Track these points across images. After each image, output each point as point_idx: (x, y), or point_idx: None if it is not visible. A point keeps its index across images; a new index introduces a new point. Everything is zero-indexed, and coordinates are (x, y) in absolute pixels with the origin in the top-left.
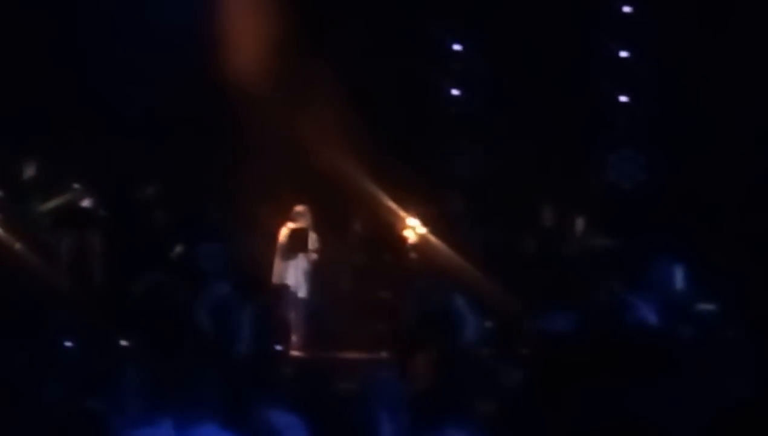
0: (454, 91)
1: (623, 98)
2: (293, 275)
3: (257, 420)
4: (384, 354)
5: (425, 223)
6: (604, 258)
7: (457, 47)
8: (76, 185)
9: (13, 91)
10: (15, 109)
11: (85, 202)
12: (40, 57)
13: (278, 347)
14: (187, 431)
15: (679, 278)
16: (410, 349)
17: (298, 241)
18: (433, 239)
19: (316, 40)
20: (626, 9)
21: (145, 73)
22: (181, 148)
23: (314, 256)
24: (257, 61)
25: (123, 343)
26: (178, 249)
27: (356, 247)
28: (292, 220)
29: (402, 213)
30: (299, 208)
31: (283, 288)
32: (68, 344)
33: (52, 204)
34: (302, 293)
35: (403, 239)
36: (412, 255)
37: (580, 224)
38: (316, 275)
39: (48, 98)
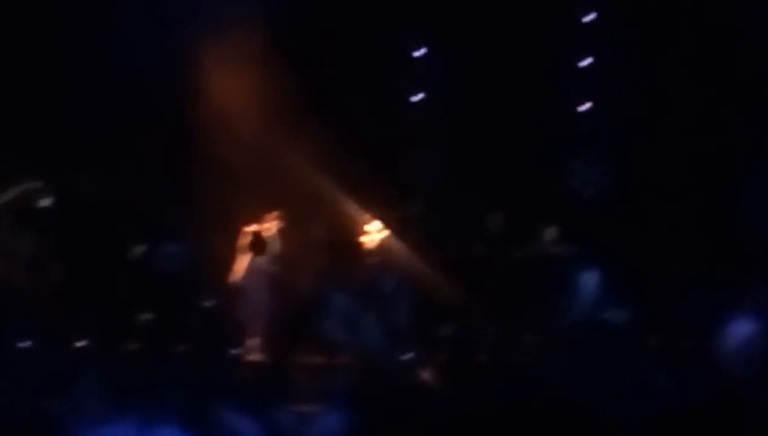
0: (417, 96)
1: (586, 106)
2: (252, 277)
3: (215, 422)
4: (344, 359)
5: (386, 226)
6: (561, 266)
7: (420, 53)
8: (30, 183)
9: None
10: None
11: (44, 202)
12: None
13: (235, 351)
14: (147, 432)
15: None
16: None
17: (256, 244)
18: (393, 242)
19: (278, 46)
20: (589, 17)
21: (104, 71)
22: (144, 148)
23: (274, 259)
24: (220, 65)
25: (80, 343)
26: (138, 250)
27: (317, 250)
28: (256, 223)
29: (363, 217)
30: (262, 212)
31: (242, 290)
32: (25, 344)
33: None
34: (260, 296)
35: (364, 243)
36: (373, 258)
37: (540, 230)
38: (275, 279)
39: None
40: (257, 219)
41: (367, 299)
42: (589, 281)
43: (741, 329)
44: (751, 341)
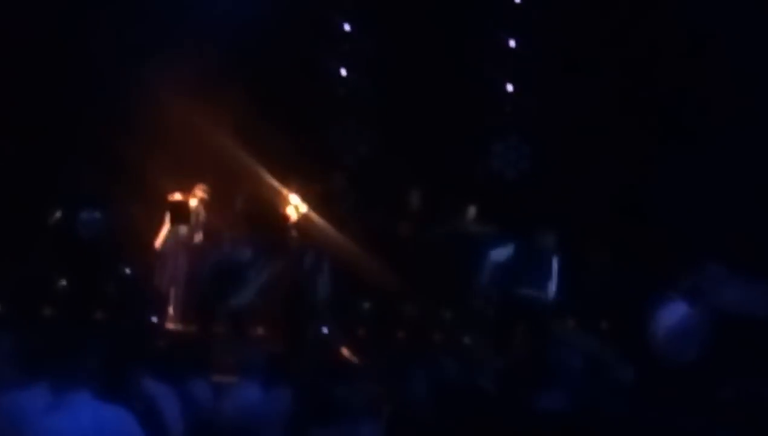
0: (342, 72)
1: (510, 87)
2: (174, 247)
3: (132, 390)
4: (261, 331)
5: (307, 201)
6: (475, 245)
7: (347, 27)
8: None
9: None
10: None
11: None
12: None
13: (153, 318)
14: (61, 397)
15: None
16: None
17: (180, 213)
18: (314, 217)
19: (207, 14)
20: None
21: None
22: (67, 114)
23: (197, 229)
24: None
25: None
26: (57, 215)
27: (238, 222)
28: (177, 192)
29: (285, 191)
30: (185, 181)
31: (162, 259)
32: None
33: None
34: (180, 265)
35: (285, 216)
36: (293, 232)
37: (458, 209)
38: (196, 249)
39: None
40: (180, 188)
41: (288, 271)
42: (506, 260)
43: (666, 314)
44: (676, 326)
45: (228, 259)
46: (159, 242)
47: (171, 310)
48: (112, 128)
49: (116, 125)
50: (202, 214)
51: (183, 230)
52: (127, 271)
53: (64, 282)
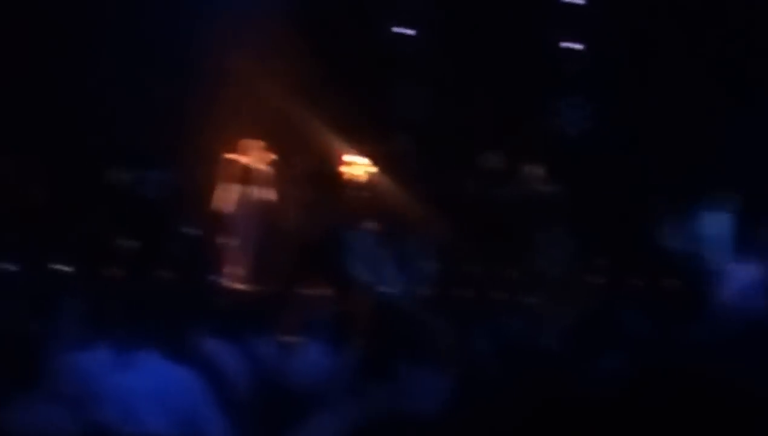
0: (404, 31)
1: (572, 45)
2: (236, 206)
3: (196, 348)
4: (325, 291)
5: (370, 161)
6: (547, 205)
7: None
8: None
9: None
10: None
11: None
12: None
13: (217, 279)
14: (126, 356)
15: None
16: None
17: (246, 173)
18: (377, 177)
19: None
20: None
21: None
22: (129, 77)
23: (259, 190)
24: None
25: (62, 268)
26: (121, 175)
27: (301, 182)
28: (240, 153)
29: (347, 151)
30: (247, 141)
31: (226, 219)
32: (6, 267)
33: None
34: (245, 225)
35: (348, 177)
36: (356, 193)
37: (525, 169)
38: (258, 209)
39: None
40: (242, 148)
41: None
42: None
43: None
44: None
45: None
46: (221, 201)
47: (238, 270)
48: (176, 87)
49: (180, 85)
50: (264, 174)
51: (245, 189)
52: (192, 230)
53: (128, 242)
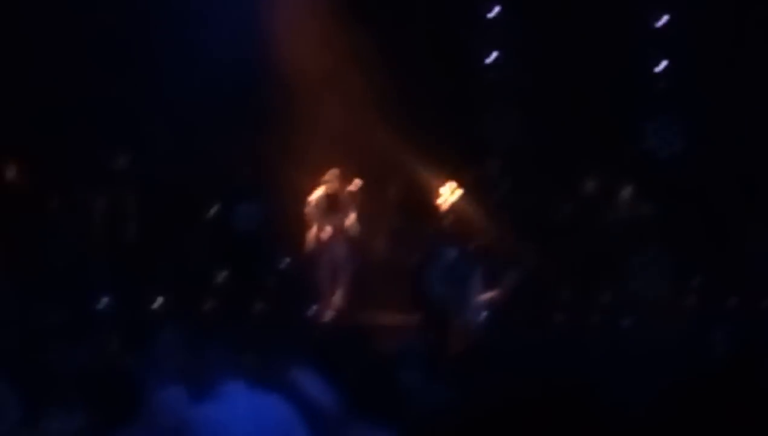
0: (493, 56)
1: (664, 64)
2: (329, 238)
3: (284, 379)
4: (419, 320)
5: (461, 188)
6: (643, 226)
7: (495, 11)
8: None
9: None
10: None
11: (121, 162)
12: None
13: (311, 310)
14: (219, 387)
15: None
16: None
17: (333, 203)
18: (468, 204)
19: (353, 6)
20: None
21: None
22: (218, 109)
23: (349, 219)
24: (293, 26)
25: (158, 303)
26: (215, 209)
27: (392, 211)
28: (325, 183)
29: (437, 178)
30: (332, 171)
31: (318, 250)
32: (105, 302)
33: None
34: (338, 256)
35: (438, 204)
36: (447, 220)
37: (619, 191)
38: (350, 239)
39: None
40: (333, 178)
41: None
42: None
43: None
44: None
45: (453, 257)
46: (313, 232)
47: (330, 300)
48: (265, 120)
49: (271, 117)
50: (355, 203)
51: (337, 219)
52: (286, 262)
53: (223, 275)
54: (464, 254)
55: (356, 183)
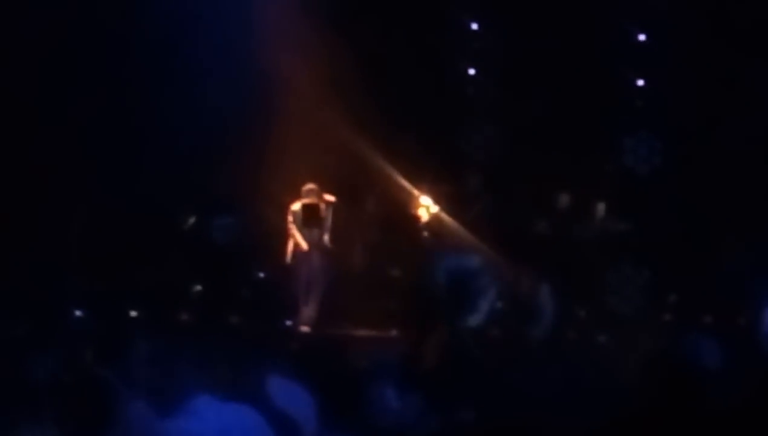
0: (471, 71)
1: (640, 82)
2: (307, 250)
3: (258, 392)
4: (394, 332)
5: (438, 201)
6: (618, 242)
7: (474, 26)
8: None
9: None
10: None
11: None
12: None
13: (288, 322)
14: (190, 399)
15: None
16: (422, 328)
17: (311, 216)
18: (446, 218)
19: (333, 20)
20: None
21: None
22: (197, 123)
23: (327, 232)
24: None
25: (133, 313)
26: (191, 221)
27: (369, 224)
28: (303, 196)
29: (415, 191)
30: (309, 185)
31: (297, 263)
32: (78, 313)
33: None
34: (315, 268)
35: (416, 218)
36: (425, 234)
37: (595, 207)
38: (329, 252)
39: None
40: (310, 191)
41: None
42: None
43: None
44: None
45: (459, 267)
46: (290, 245)
47: (305, 312)
48: (242, 132)
49: (247, 129)
50: (331, 216)
51: (314, 232)
52: (261, 275)
53: (198, 287)
54: (443, 269)
55: (331, 197)
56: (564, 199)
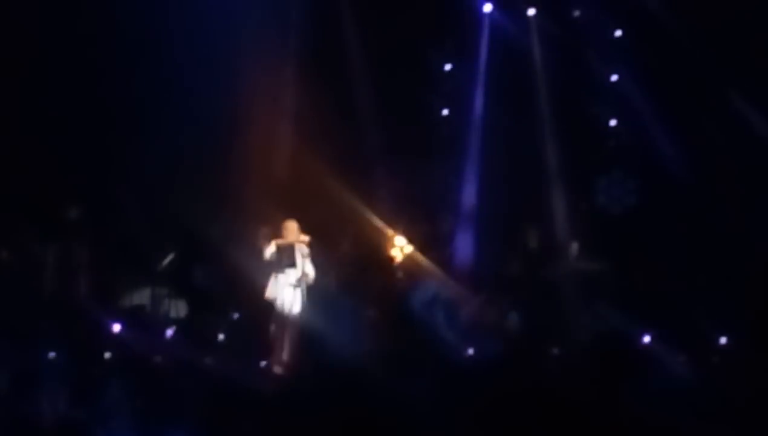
0: (445, 111)
1: (613, 122)
2: (283, 291)
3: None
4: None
5: (412, 242)
6: (590, 282)
7: (448, 67)
8: None
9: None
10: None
11: (73, 213)
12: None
13: (262, 363)
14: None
15: None
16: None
17: (286, 256)
18: (420, 257)
19: (310, 63)
20: (617, 33)
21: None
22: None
23: (304, 272)
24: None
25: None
26: (167, 260)
27: (344, 264)
28: (280, 236)
29: (389, 232)
30: (287, 223)
31: (274, 304)
32: (53, 354)
33: None
34: (291, 309)
35: (390, 258)
36: (399, 274)
37: (568, 247)
38: (304, 291)
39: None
40: (286, 231)
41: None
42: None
43: None
44: None
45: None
46: (268, 286)
47: (282, 354)
48: (224, 174)
49: (228, 170)
50: (307, 256)
51: (290, 273)
52: (236, 316)
53: (173, 327)
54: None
55: (310, 236)
56: (536, 239)
